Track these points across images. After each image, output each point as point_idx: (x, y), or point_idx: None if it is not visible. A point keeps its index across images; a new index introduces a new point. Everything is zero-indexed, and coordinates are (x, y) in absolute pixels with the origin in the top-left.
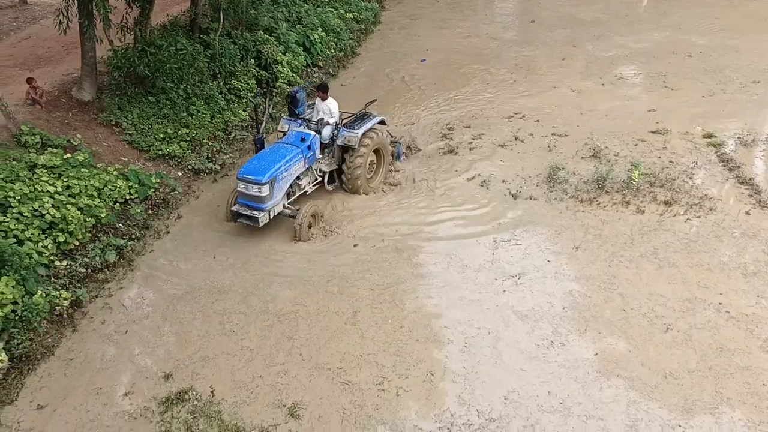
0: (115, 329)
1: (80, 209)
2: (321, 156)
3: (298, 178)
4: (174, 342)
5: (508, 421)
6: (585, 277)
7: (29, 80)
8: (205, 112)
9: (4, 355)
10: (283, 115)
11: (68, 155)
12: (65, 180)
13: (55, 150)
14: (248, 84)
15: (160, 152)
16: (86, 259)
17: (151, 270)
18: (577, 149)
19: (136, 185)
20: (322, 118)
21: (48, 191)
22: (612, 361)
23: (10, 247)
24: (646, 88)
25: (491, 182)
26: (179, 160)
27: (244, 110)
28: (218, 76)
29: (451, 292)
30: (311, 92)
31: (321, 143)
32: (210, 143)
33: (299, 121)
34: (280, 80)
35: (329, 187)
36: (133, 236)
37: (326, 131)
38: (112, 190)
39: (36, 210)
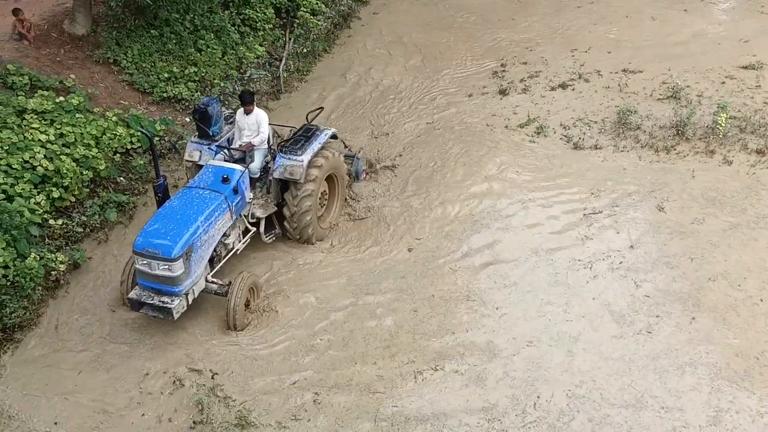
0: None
1: (76, 161)
2: (251, 196)
3: (223, 235)
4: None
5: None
6: (673, 254)
7: (15, 12)
8: (215, 47)
9: None
10: (226, 109)
11: (61, 98)
12: (58, 127)
13: (46, 93)
14: (265, 14)
15: (164, 94)
16: (84, 218)
17: None
18: (652, 89)
19: (138, 133)
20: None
21: (39, 140)
22: (700, 345)
23: None
24: (739, 14)
25: (547, 129)
26: (187, 104)
27: (260, 44)
28: (230, 4)
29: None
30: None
31: (250, 178)
32: (222, 84)
33: (215, 146)
34: (302, 9)
35: (267, 239)
36: (136, 191)
37: (256, 160)
38: (111, 139)
39: (26, 162)
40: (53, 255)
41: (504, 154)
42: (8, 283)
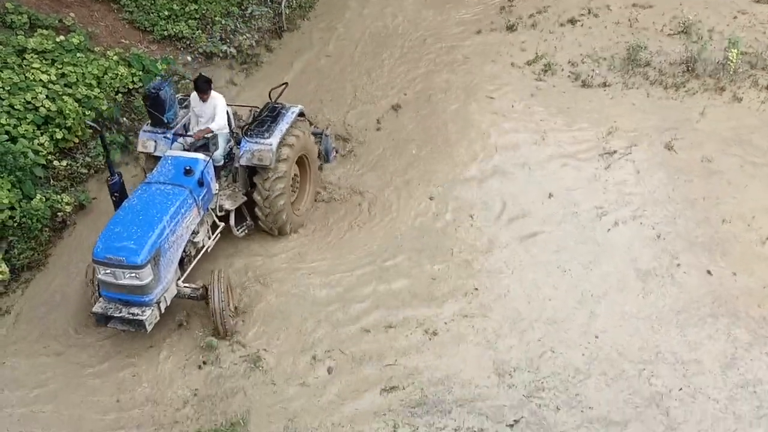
0: None
1: (78, 101)
2: (217, 187)
3: (192, 233)
4: None
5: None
6: (690, 196)
7: None
8: None
9: (4, 266)
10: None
11: (61, 38)
12: (59, 67)
13: (45, 32)
14: None
15: (165, 33)
16: (88, 159)
17: None
18: (663, 24)
19: (140, 72)
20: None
21: (41, 80)
22: (720, 295)
23: (2, 145)
24: None
25: (555, 66)
26: (188, 42)
27: None
28: None
29: None
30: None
31: (215, 166)
32: (223, 21)
33: (171, 134)
34: None
35: (239, 233)
36: (139, 132)
37: (220, 147)
38: (112, 79)
39: (28, 102)
40: (59, 196)
41: (510, 94)
42: (15, 225)
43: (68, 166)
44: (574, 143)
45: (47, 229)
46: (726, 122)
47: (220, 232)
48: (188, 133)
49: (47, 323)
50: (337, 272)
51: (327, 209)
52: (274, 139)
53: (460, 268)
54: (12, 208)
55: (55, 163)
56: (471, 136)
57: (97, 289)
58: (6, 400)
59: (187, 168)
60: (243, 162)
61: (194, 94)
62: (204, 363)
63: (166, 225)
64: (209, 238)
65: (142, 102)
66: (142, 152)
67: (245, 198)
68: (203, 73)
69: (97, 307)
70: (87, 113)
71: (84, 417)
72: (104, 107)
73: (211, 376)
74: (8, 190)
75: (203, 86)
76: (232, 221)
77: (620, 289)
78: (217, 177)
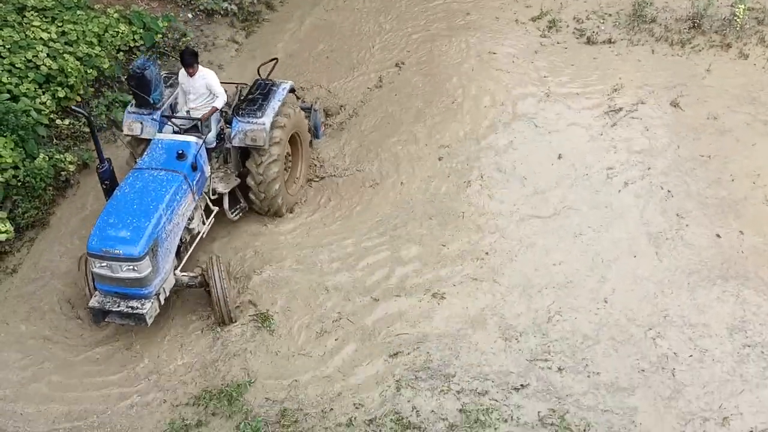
0: None
1: (79, 59)
2: (210, 169)
3: (187, 219)
4: None
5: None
6: (699, 154)
7: None
8: None
9: (8, 225)
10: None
11: None
12: (60, 25)
13: None
14: None
15: None
16: (91, 118)
17: None
18: None
19: (141, 30)
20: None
21: (41, 38)
22: (730, 256)
23: (4, 104)
24: None
25: (560, 23)
26: (188, 0)
27: None
28: None
29: None
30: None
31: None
32: None
33: (158, 115)
34: None
35: (233, 216)
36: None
37: (213, 128)
38: (113, 37)
39: (29, 61)
40: (62, 155)
41: (514, 51)
42: (19, 184)
43: (71, 125)
44: (579, 101)
45: (51, 188)
46: (733, 79)
47: (214, 217)
48: (178, 115)
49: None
50: (347, 244)
51: (330, 183)
52: (266, 119)
53: (470, 232)
54: (15, 168)
55: (58, 122)
56: (474, 94)
57: (91, 282)
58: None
59: (180, 152)
60: (236, 143)
61: (182, 71)
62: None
63: (162, 213)
64: (204, 224)
65: (126, 82)
66: (128, 135)
67: (238, 180)
68: (189, 46)
69: (94, 302)
70: (89, 71)
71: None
72: (105, 65)
73: (217, 343)
74: (11, 149)
75: (189, 59)
76: (225, 204)
77: (631, 252)
78: (209, 159)
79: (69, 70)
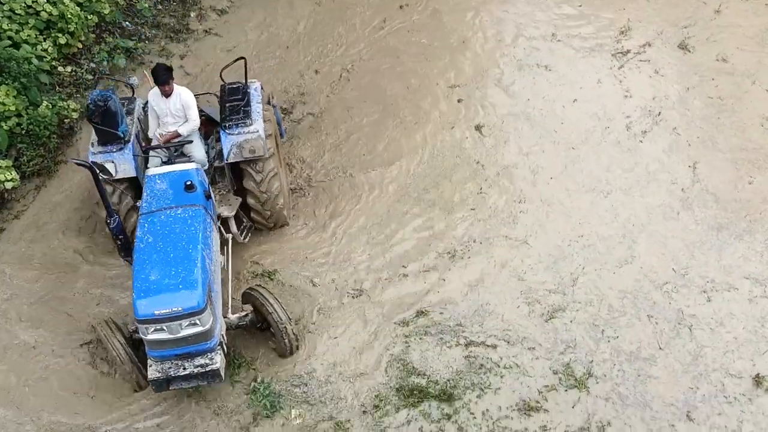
0: None
1: (79, 5)
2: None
3: None
4: None
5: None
6: (706, 102)
7: None
8: None
9: (14, 173)
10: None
11: None
12: None
13: None
14: None
15: None
16: (92, 64)
17: None
18: None
19: None
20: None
21: None
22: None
23: (5, 51)
24: None
25: None
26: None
27: None
28: None
29: None
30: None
31: None
32: None
33: (128, 149)
34: None
35: (243, 239)
36: (143, 36)
37: (199, 149)
38: None
39: (29, 6)
40: (65, 103)
41: None
42: (23, 132)
43: (73, 72)
44: (586, 41)
45: (55, 135)
46: (743, 19)
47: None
48: (156, 144)
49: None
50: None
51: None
52: (257, 125)
53: (496, 191)
54: (19, 116)
55: (60, 69)
56: (481, 33)
57: (130, 352)
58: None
59: (188, 183)
60: (232, 159)
61: (154, 91)
62: None
63: (204, 255)
64: (223, 255)
65: (87, 120)
66: (104, 176)
67: (240, 200)
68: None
69: (153, 373)
70: (89, 17)
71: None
72: (106, 11)
73: None
74: (14, 97)
75: (164, 76)
76: (233, 228)
77: (660, 211)
78: None
79: (69, 15)
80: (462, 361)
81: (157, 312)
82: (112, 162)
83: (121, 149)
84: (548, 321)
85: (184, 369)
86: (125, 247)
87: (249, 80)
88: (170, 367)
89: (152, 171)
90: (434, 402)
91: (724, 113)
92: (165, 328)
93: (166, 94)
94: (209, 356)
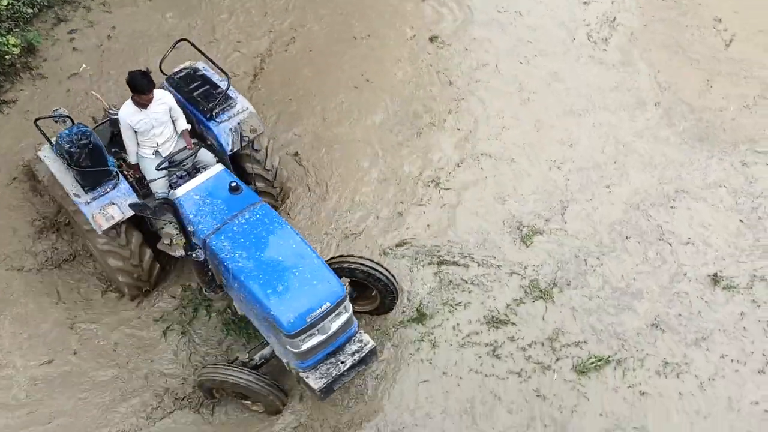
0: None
1: None
2: None
3: None
4: None
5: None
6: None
7: None
8: None
9: None
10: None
11: None
12: None
13: None
14: None
15: None
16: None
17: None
18: None
19: None
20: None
21: None
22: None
23: None
24: None
25: None
26: None
27: None
28: None
29: None
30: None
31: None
32: None
33: (123, 183)
34: None
35: None
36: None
37: (205, 151)
38: None
39: None
40: (4, 38)
41: None
42: None
43: (9, 6)
44: None
45: None
46: None
47: None
48: (173, 156)
49: None
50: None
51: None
52: (241, 100)
53: (471, 107)
54: None
55: None
56: None
57: (265, 377)
58: None
59: (233, 184)
60: (236, 147)
61: (127, 108)
62: None
63: (307, 243)
64: None
65: (71, 167)
66: (106, 229)
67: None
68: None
69: (318, 383)
70: None
71: None
72: None
73: None
74: None
75: (148, 84)
76: None
77: (637, 125)
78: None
79: None
80: (433, 279)
81: (309, 318)
82: (113, 204)
83: (116, 186)
84: (525, 241)
85: (343, 363)
86: (212, 281)
87: (192, 62)
88: (329, 369)
89: (181, 191)
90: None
91: (682, 16)
92: (317, 331)
93: (145, 104)
94: (358, 339)
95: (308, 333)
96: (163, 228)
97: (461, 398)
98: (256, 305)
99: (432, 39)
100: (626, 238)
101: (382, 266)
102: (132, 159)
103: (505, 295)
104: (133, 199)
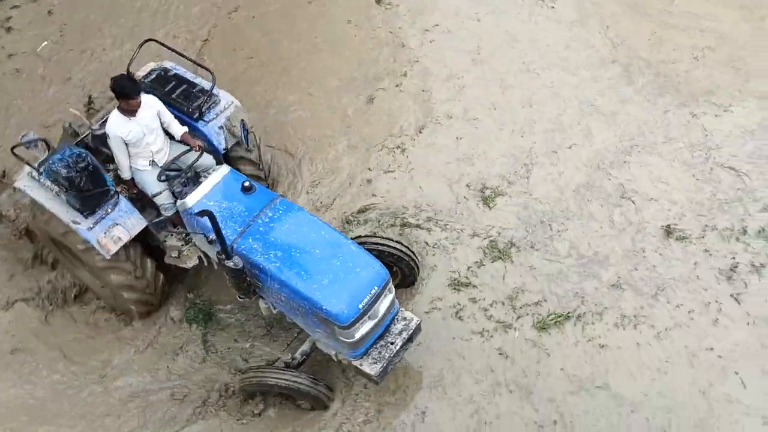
0: None
1: None
2: None
3: None
4: None
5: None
6: None
7: None
8: None
9: None
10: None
11: None
12: None
13: None
14: None
15: None
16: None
17: None
18: None
19: None
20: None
21: None
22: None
23: None
24: None
25: None
26: None
27: None
28: None
29: None
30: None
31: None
32: None
33: (123, 201)
34: None
35: None
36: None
37: (205, 154)
38: None
39: None
40: None
41: None
42: None
43: None
44: None
45: None
46: None
47: None
48: (174, 163)
49: None
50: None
51: None
52: (224, 94)
53: (427, 68)
54: None
55: None
56: None
57: (312, 377)
58: None
59: (246, 184)
60: (230, 144)
61: (115, 120)
62: None
63: (338, 231)
64: None
65: (70, 190)
66: (113, 252)
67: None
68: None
69: (374, 368)
70: None
71: None
72: None
73: None
74: None
75: (137, 88)
76: None
77: (598, 83)
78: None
79: None
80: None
81: (360, 305)
82: (118, 224)
83: (116, 204)
84: (488, 203)
85: (393, 344)
86: (249, 289)
87: (151, 65)
88: (381, 352)
89: (192, 199)
90: None
91: None
92: (369, 315)
93: (134, 111)
94: (401, 317)
95: (361, 321)
96: (165, 241)
97: (433, 370)
98: (302, 302)
99: (378, 0)
100: (588, 200)
101: (402, 244)
102: (126, 174)
103: (467, 258)
104: (137, 216)
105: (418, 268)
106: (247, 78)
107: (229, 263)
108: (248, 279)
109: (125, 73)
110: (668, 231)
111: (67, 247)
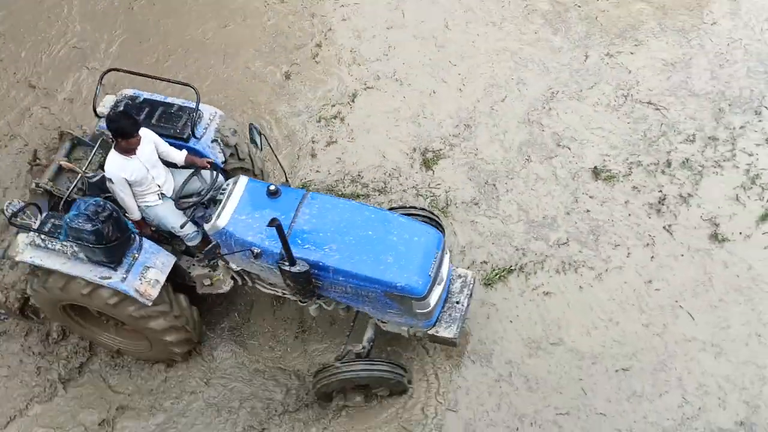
0: None
1: None
2: None
3: None
4: None
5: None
6: None
7: None
8: None
9: None
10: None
11: None
12: None
13: None
14: None
15: None
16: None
17: None
18: None
19: None
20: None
21: None
22: None
23: None
24: None
25: None
26: None
27: None
28: None
29: None
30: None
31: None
32: None
33: (149, 242)
34: None
35: None
36: None
37: (206, 173)
38: None
39: None
40: None
41: None
42: None
43: None
44: None
45: None
46: None
47: None
48: (188, 186)
49: None
50: None
51: None
52: (207, 107)
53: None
54: None
55: None
56: None
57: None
58: None
59: (271, 188)
60: (225, 159)
61: (115, 161)
62: None
63: (375, 207)
64: None
65: (92, 245)
66: (155, 297)
67: None
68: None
69: (450, 332)
70: None
71: None
72: None
73: None
74: None
75: (132, 126)
76: None
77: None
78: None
79: None
80: None
81: (430, 272)
82: (150, 267)
83: (140, 247)
84: (431, 166)
85: (459, 303)
86: (305, 292)
87: (111, 98)
88: (451, 314)
89: (223, 220)
90: None
91: None
92: (440, 278)
93: (134, 149)
94: (457, 275)
95: (436, 290)
96: (189, 272)
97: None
98: (373, 287)
99: None
100: (527, 159)
101: (427, 210)
102: (135, 215)
103: None
104: (164, 253)
105: (443, 232)
106: (163, 62)
107: (295, 269)
108: (312, 281)
109: (119, 111)
110: (596, 172)
111: (86, 312)
